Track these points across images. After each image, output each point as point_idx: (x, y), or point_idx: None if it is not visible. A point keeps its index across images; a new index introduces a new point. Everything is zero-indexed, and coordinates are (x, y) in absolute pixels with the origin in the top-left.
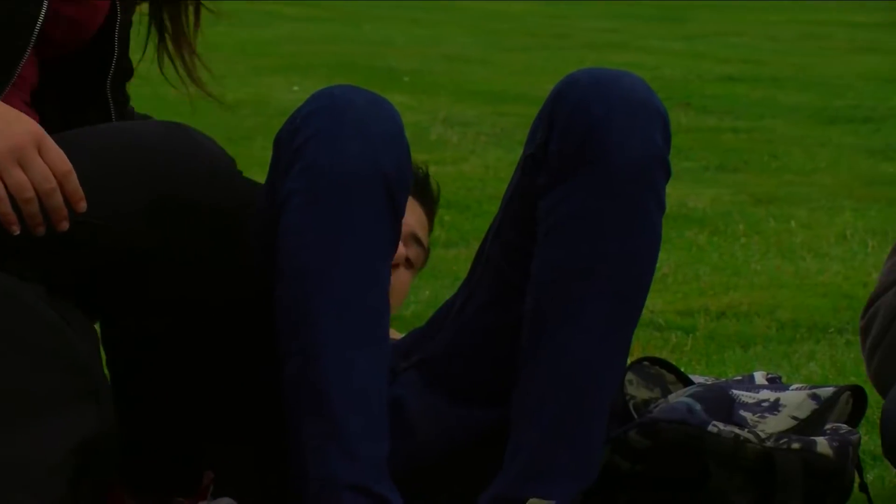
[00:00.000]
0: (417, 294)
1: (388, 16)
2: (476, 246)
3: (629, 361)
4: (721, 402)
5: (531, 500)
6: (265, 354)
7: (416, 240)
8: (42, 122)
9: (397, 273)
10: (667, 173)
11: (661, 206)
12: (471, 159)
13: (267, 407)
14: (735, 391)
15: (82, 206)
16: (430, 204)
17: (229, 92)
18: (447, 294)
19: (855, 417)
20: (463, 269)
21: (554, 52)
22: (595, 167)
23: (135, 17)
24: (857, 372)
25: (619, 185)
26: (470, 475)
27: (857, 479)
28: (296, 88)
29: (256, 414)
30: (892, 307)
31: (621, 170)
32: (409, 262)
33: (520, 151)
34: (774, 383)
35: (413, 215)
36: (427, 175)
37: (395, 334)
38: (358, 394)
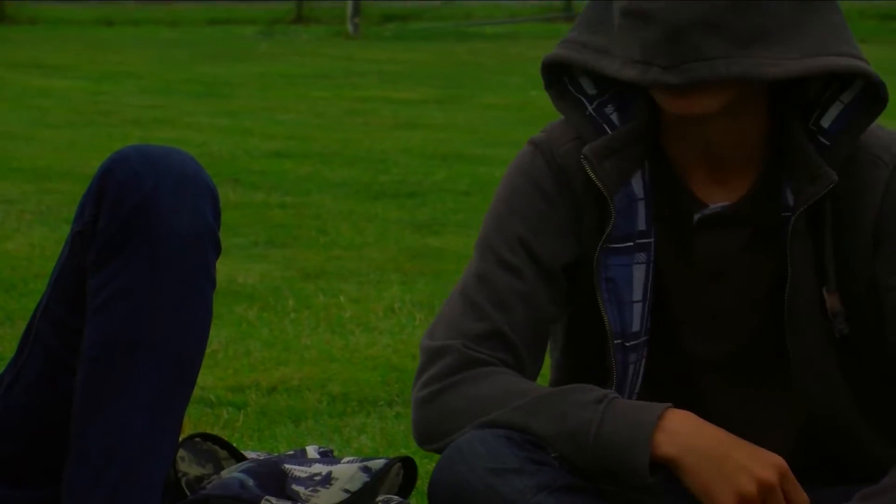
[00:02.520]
0: None
1: None
2: (23, 325)
3: (181, 438)
4: (274, 477)
5: None
6: None
7: None
8: None
9: None
10: (217, 249)
11: (211, 281)
12: (15, 237)
13: None
14: (287, 465)
15: None
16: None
17: None
18: None
19: (406, 488)
20: (9, 350)
21: (99, 128)
22: (145, 242)
23: None
24: (407, 444)
25: (169, 261)
26: None
27: None
28: None
29: None
30: None
31: (171, 245)
32: None
33: (66, 229)
34: (326, 457)
35: None
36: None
37: None
38: None
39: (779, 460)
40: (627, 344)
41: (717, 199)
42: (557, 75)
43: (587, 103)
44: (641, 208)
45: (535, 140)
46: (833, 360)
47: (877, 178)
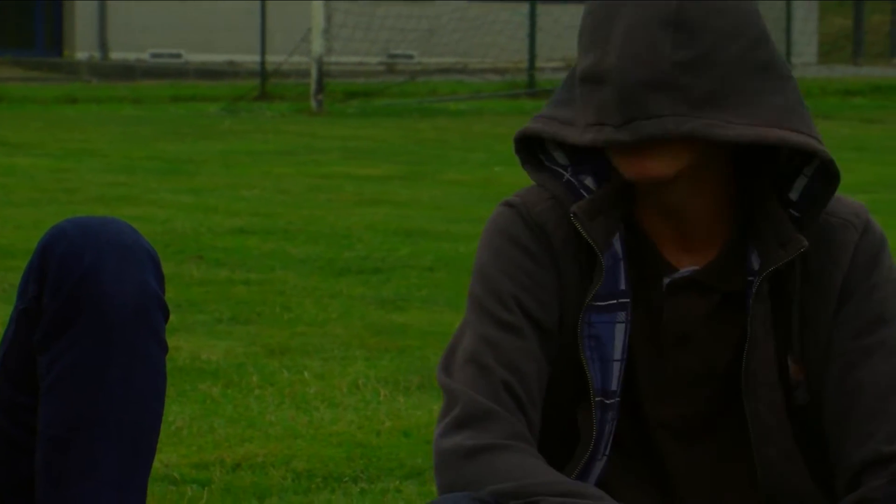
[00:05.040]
0: None
1: None
2: None
3: None
4: None
5: None
6: None
7: None
8: None
9: None
10: (165, 313)
11: (162, 346)
12: None
13: None
14: None
15: None
16: None
17: None
18: None
19: None
20: None
21: (63, 206)
22: (91, 317)
23: None
24: None
25: (118, 331)
26: None
27: None
28: None
29: None
30: None
31: (118, 315)
32: None
33: None
34: None
35: None
36: None
37: None
38: None
39: None
40: (607, 402)
41: (687, 265)
42: (533, 151)
43: (563, 171)
44: (622, 268)
45: (509, 202)
46: (789, 427)
47: (847, 240)
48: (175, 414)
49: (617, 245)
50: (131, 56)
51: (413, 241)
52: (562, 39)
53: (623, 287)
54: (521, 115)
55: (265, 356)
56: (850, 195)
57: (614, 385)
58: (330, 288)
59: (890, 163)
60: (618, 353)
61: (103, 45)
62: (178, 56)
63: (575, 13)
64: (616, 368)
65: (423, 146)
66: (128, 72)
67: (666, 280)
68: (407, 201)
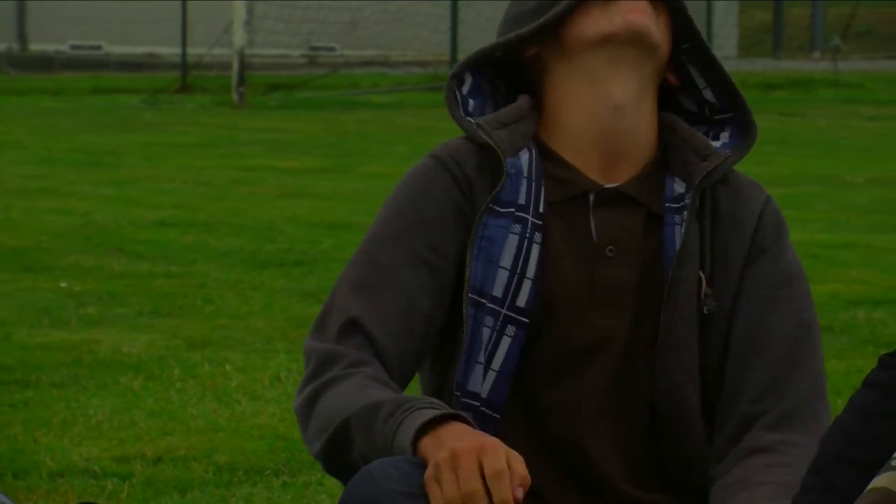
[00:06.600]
0: None
1: None
2: None
3: None
4: None
5: None
6: None
7: None
8: None
9: None
10: None
11: None
12: None
13: None
14: None
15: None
16: None
17: None
18: None
19: None
20: None
21: None
22: None
23: None
24: None
25: None
26: None
27: None
28: None
29: None
30: None
31: None
32: None
33: None
34: None
35: None
36: None
37: None
38: None
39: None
40: (487, 304)
41: (611, 183)
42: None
43: (476, 116)
44: (524, 185)
45: (428, 153)
46: (695, 342)
47: (756, 195)
48: (95, 407)
49: (523, 160)
50: (51, 48)
51: (335, 234)
52: (484, 32)
53: (523, 202)
54: (443, 107)
55: (186, 349)
56: (769, 188)
57: (497, 292)
58: (252, 281)
59: (809, 156)
60: (506, 261)
61: (22, 37)
62: (99, 48)
63: (497, 6)
64: (502, 276)
65: (345, 139)
66: (47, 63)
67: (592, 195)
68: (329, 194)
